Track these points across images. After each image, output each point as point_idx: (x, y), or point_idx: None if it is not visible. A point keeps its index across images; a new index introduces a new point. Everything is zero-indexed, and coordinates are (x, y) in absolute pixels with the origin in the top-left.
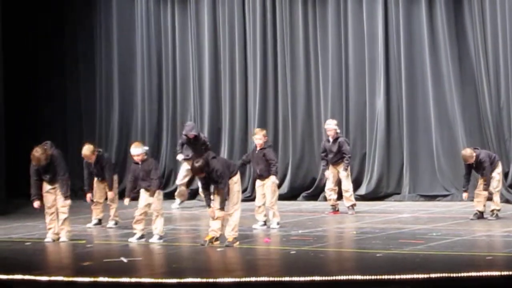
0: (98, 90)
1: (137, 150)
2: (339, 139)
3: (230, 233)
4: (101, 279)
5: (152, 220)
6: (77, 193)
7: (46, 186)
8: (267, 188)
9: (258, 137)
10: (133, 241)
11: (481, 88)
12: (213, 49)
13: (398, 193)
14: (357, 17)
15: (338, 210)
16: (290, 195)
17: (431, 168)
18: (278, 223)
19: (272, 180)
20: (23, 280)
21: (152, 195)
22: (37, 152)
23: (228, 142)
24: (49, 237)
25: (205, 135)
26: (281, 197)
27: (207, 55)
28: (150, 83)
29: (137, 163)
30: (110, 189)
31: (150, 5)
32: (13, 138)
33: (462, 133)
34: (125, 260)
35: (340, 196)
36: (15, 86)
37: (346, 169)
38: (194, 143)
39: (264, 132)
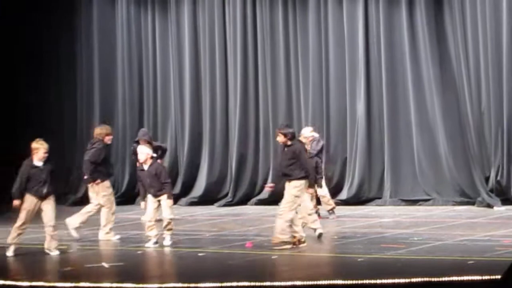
0: (79, 95)
1: (143, 149)
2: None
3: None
4: (82, 284)
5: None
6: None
7: None
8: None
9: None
10: (150, 246)
11: (462, 92)
12: (194, 54)
13: (380, 198)
14: (337, 22)
15: (319, 215)
16: (271, 200)
17: (412, 172)
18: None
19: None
20: (4, 285)
21: (170, 197)
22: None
23: (209, 147)
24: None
25: (160, 143)
26: (263, 202)
27: (188, 61)
28: (131, 88)
29: (142, 170)
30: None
31: (130, 10)
32: None
33: (443, 138)
34: (106, 265)
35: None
36: None
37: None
38: None
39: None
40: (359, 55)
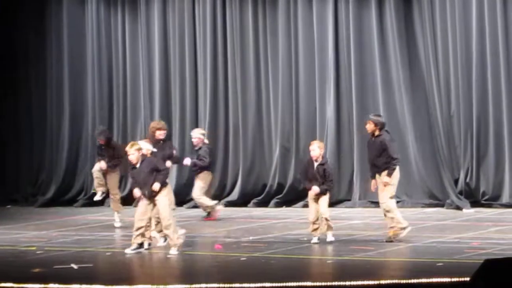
0: (49, 96)
1: (143, 145)
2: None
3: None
4: (51, 285)
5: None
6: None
7: None
8: (322, 201)
9: (313, 148)
10: (161, 244)
11: (431, 95)
12: (163, 55)
13: (349, 200)
14: (307, 24)
15: (212, 216)
16: (241, 202)
17: None
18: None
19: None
20: None
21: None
22: None
23: (178, 149)
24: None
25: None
26: (232, 204)
27: (157, 61)
28: (100, 89)
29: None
30: None
31: (100, 11)
32: None
33: (412, 140)
34: (75, 266)
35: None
36: None
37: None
38: (105, 149)
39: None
40: (329, 57)
